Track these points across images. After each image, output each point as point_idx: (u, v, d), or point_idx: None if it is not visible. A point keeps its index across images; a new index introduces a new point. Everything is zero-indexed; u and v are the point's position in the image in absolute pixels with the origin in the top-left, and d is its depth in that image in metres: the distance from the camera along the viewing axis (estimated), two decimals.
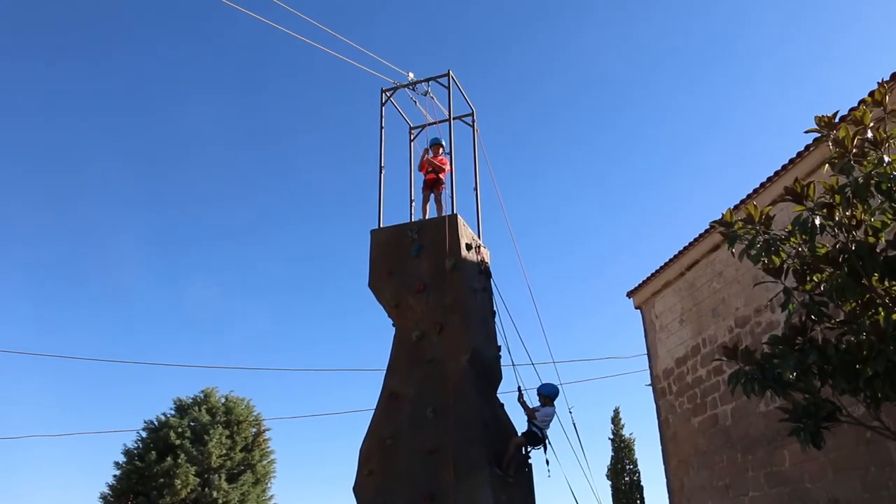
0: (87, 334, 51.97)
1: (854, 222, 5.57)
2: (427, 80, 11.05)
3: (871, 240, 5.58)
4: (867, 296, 5.53)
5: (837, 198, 5.46)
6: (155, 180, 62.49)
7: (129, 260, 58.98)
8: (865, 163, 5.36)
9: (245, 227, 66.87)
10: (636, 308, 14.71)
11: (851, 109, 7.31)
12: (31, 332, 49.02)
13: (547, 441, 8.88)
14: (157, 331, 53.89)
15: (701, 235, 11.84)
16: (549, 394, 9.02)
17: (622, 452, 29.57)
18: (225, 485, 23.59)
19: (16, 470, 40.23)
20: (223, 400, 25.85)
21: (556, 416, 9.05)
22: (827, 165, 5.72)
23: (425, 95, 11.19)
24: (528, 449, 8.92)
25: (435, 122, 11.36)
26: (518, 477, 8.75)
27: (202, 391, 25.85)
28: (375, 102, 11.22)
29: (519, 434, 8.99)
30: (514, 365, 9.49)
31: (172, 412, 25.19)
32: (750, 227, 5.90)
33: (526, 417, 8.87)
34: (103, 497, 23.62)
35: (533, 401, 9.08)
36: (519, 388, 9.06)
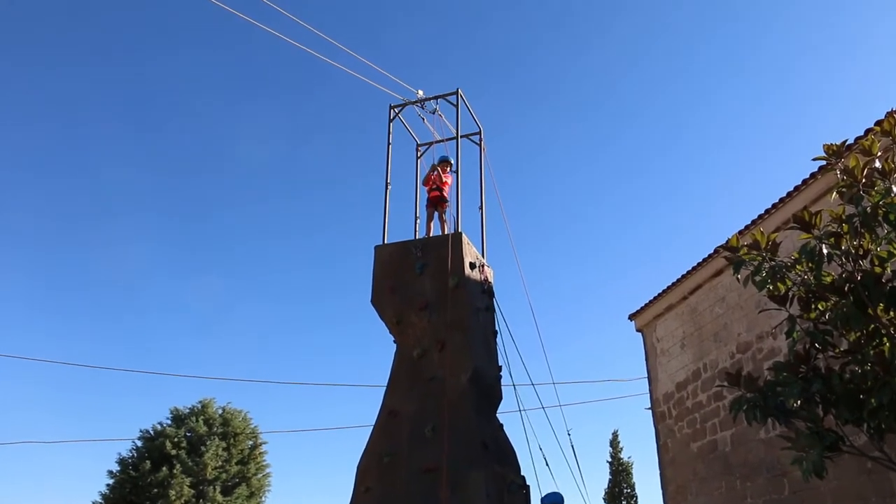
0: (86, 341, 51.96)
1: (861, 252, 5.55)
2: (436, 98, 11.10)
3: (878, 270, 5.56)
4: (872, 326, 5.50)
5: (845, 227, 5.45)
6: (164, 187, 62.68)
7: (133, 266, 59.05)
8: (873, 192, 5.35)
9: (250, 236, 67.01)
10: (637, 331, 14.65)
11: (858, 138, 7.33)
12: (30, 337, 48.97)
13: None
14: (158, 339, 53.85)
15: (704, 260, 11.82)
16: (552, 503, 8.39)
17: (620, 476, 29.47)
18: (219, 497, 23.46)
19: (9, 476, 40.03)
20: (220, 411, 25.77)
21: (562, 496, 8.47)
22: (834, 193, 5.71)
23: (433, 113, 11.22)
24: None
25: (442, 140, 11.39)
26: (513, 498, 8.66)
27: (200, 401, 25.82)
28: (384, 118, 11.28)
29: None
30: (514, 385, 9.45)
31: (169, 422, 25.12)
32: (756, 252, 5.88)
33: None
34: None
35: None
36: (525, 487, 8.80)
